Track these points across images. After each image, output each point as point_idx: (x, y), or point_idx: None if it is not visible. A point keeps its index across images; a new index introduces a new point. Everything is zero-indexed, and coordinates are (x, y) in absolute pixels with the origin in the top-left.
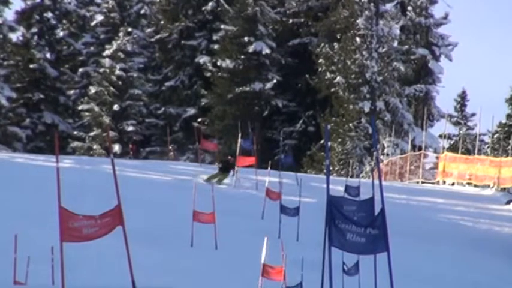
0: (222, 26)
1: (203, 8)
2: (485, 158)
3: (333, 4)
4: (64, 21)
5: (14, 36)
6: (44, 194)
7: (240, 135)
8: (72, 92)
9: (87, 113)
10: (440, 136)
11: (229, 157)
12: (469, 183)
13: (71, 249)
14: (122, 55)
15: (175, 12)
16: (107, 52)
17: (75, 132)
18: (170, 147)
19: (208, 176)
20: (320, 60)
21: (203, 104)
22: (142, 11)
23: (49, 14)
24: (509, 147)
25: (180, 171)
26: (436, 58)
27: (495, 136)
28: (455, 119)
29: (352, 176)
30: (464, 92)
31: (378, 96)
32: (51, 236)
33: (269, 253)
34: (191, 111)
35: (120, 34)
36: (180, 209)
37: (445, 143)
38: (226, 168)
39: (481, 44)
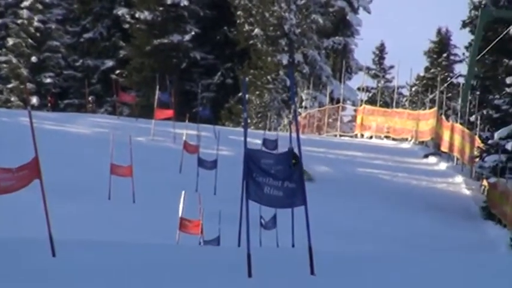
0: None
1: None
2: (403, 111)
3: None
4: None
5: None
6: None
7: (158, 87)
8: None
9: (4, 65)
10: (359, 89)
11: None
12: (387, 137)
13: None
14: (40, 6)
15: None
16: (25, 3)
17: None
18: (89, 99)
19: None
20: (238, 12)
21: (121, 56)
22: None
23: None
24: (427, 100)
25: (98, 124)
26: (355, 10)
27: (413, 89)
28: (374, 71)
29: (270, 129)
30: (382, 45)
31: (296, 48)
32: None
33: (186, 207)
34: (109, 63)
35: None
36: (97, 162)
37: (363, 96)
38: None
39: None
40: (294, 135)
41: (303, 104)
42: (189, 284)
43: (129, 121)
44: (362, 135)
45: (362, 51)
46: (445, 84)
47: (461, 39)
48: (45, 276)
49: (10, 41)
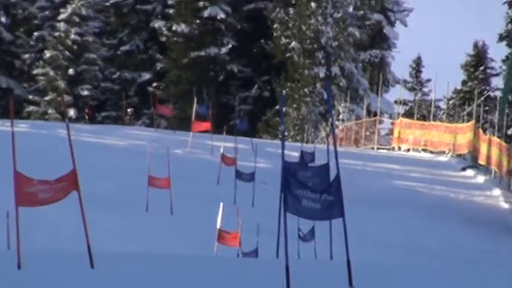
0: None
1: None
2: (441, 124)
3: None
4: None
5: None
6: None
7: (195, 100)
8: (27, 56)
9: (42, 77)
10: (396, 102)
11: None
12: (424, 150)
13: (26, 214)
14: (77, 19)
15: None
16: (62, 16)
17: (30, 97)
18: (128, 111)
19: None
20: (275, 25)
21: (158, 68)
22: None
23: None
24: (465, 113)
25: (135, 136)
26: (391, 24)
27: (450, 102)
28: (411, 84)
29: (307, 142)
30: (419, 58)
31: (333, 61)
32: (7, 201)
33: (225, 219)
34: (146, 76)
35: None
36: (135, 174)
37: (401, 109)
38: None
39: (436, 9)
40: (331, 147)
41: (340, 116)
42: None
43: (167, 133)
44: (399, 148)
45: (399, 64)
46: (482, 98)
47: (498, 52)
48: None
49: (47, 54)
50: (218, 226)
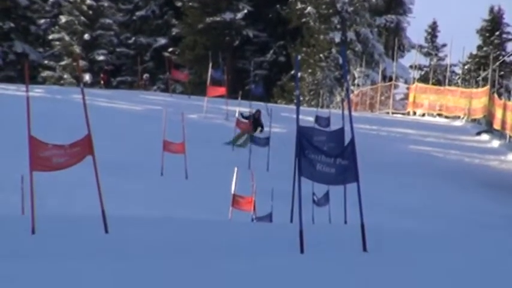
0: None
1: None
2: (456, 89)
3: None
4: None
5: None
6: (14, 123)
7: (210, 65)
8: (42, 21)
9: (57, 43)
10: (411, 67)
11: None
12: (439, 114)
13: (41, 178)
14: None
15: None
16: None
17: (45, 62)
18: (144, 77)
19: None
20: None
21: (174, 34)
22: None
23: None
24: (480, 78)
25: (150, 101)
26: None
27: (466, 67)
28: (426, 49)
29: (322, 107)
30: (435, 23)
31: (348, 26)
32: (21, 165)
33: (239, 183)
34: (162, 41)
35: None
36: (150, 139)
37: (416, 74)
38: (254, 126)
39: None
40: (346, 112)
41: (356, 81)
42: (241, 260)
43: (182, 98)
44: (414, 113)
45: (414, 30)
46: (498, 63)
47: None
48: (98, 252)
49: (63, 19)
50: (232, 191)
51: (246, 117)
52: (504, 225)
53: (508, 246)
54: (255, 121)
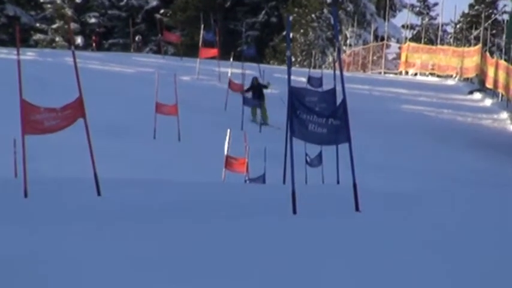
0: None
1: None
2: (448, 48)
3: None
4: None
5: None
6: (6, 87)
7: (202, 26)
8: None
9: (49, 5)
10: (403, 26)
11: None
12: (431, 74)
13: (33, 141)
14: None
15: None
16: None
17: (37, 25)
18: (136, 39)
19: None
20: None
21: None
22: None
23: None
24: (472, 37)
25: (142, 63)
26: None
27: (458, 26)
28: (418, 8)
29: (314, 67)
30: None
31: None
32: (13, 128)
33: (232, 145)
34: (153, 2)
35: None
36: (143, 101)
37: (408, 33)
38: (257, 92)
39: None
40: (338, 73)
41: (348, 41)
42: (234, 221)
43: (174, 60)
44: (406, 73)
45: None
46: (489, 21)
47: None
48: (90, 215)
49: None
50: (226, 152)
51: (249, 89)
52: (495, 182)
53: (497, 203)
54: (257, 88)
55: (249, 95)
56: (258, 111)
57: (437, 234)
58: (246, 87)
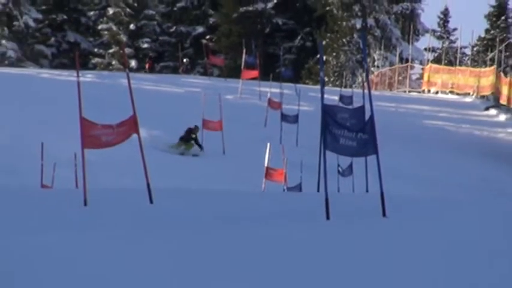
0: None
1: None
2: (466, 69)
3: None
4: None
5: None
6: (68, 106)
7: (244, 51)
8: (92, 13)
9: (106, 32)
10: (425, 49)
11: (193, 127)
12: (451, 92)
13: (92, 155)
14: None
15: None
16: None
17: (95, 50)
18: (184, 61)
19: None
20: None
21: (211, 22)
22: None
23: None
24: (488, 58)
25: (190, 84)
26: None
27: (475, 49)
28: (439, 33)
29: (346, 87)
30: (446, 9)
31: (368, 14)
32: (74, 143)
33: (271, 157)
34: (200, 29)
35: None
36: (191, 119)
37: (430, 56)
38: (187, 138)
39: None
40: (366, 91)
41: (375, 63)
42: (274, 226)
43: (219, 81)
44: (429, 91)
45: (428, 15)
46: (504, 44)
47: None
48: (143, 221)
49: (110, 11)
50: (266, 164)
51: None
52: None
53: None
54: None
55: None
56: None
57: (456, 238)
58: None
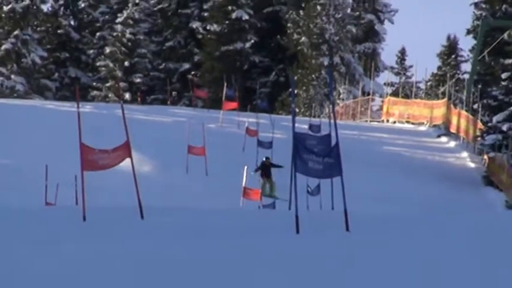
0: None
1: None
2: (420, 101)
3: None
4: None
5: (45, 7)
6: (69, 133)
7: (225, 85)
8: (91, 51)
9: (103, 68)
10: (385, 84)
11: (265, 159)
12: (407, 121)
13: (90, 177)
14: (131, 22)
15: None
16: (119, 19)
17: (94, 84)
18: (172, 94)
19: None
20: (289, 24)
21: (196, 60)
22: None
23: None
24: (440, 92)
25: (177, 114)
26: (381, 22)
27: (428, 83)
28: (397, 70)
29: (314, 117)
30: (403, 49)
31: (334, 52)
32: (74, 166)
33: (249, 178)
34: (186, 66)
35: (129, 4)
36: (177, 144)
37: (388, 90)
38: (266, 171)
39: (417, 9)
40: (332, 121)
41: (341, 96)
42: (250, 238)
43: (202, 112)
44: (387, 121)
45: (387, 54)
46: (453, 80)
47: (466, 43)
48: (134, 235)
49: (107, 49)
50: (243, 184)
51: (258, 169)
52: (461, 209)
53: (463, 224)
54: (267, 168)
55: (257, 173)
56: (267, 185)
57: (412, 253)
58: (255, 168)
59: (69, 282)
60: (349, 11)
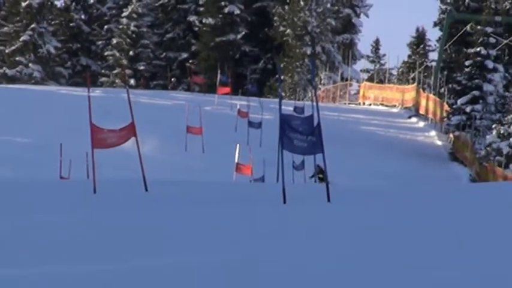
0: None
1: None
2: (393, 86)
3: None
4: None
5: (58, 3)
6: (81, 114)
7: (219, 72)
8: (100, 42)
9: (111, 57)
10: (361, 70)
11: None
12: (381, 104)
13: (99, 154)
14: (135, 16)
15: None
16: (124, 14)
17: (102, 71)
18: (172, 80)
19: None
20: (275, 18)
21: (193, 50)
22: None
23: None
24: (410, 78)
25: (177, 98)
26: (358, 15)
27: (400, 70)
28: (371, 58)
29: (298, 100)
30: (377, 39)
31: (316, 43)
32: (86, 144)
33: (241, 155)
34: (184, 55)
35: (134, 0)
36: (177, 124)
37: (364, 76)
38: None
39: (390, 4)
40: (315, 103)
41: (322, 82)
42: (242, 208)
43: (199, 96)
44: (364, 103)
45: (363, 44)
46: (422, 67)
47: (434, 34)
48: (140, 205)
49: (114, 40)
50: (236, 160)
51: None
52: (431, 181)
53: (432, 196)
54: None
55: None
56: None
57: (386, 217)
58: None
59: (82, 243)
60: (329, 5)
